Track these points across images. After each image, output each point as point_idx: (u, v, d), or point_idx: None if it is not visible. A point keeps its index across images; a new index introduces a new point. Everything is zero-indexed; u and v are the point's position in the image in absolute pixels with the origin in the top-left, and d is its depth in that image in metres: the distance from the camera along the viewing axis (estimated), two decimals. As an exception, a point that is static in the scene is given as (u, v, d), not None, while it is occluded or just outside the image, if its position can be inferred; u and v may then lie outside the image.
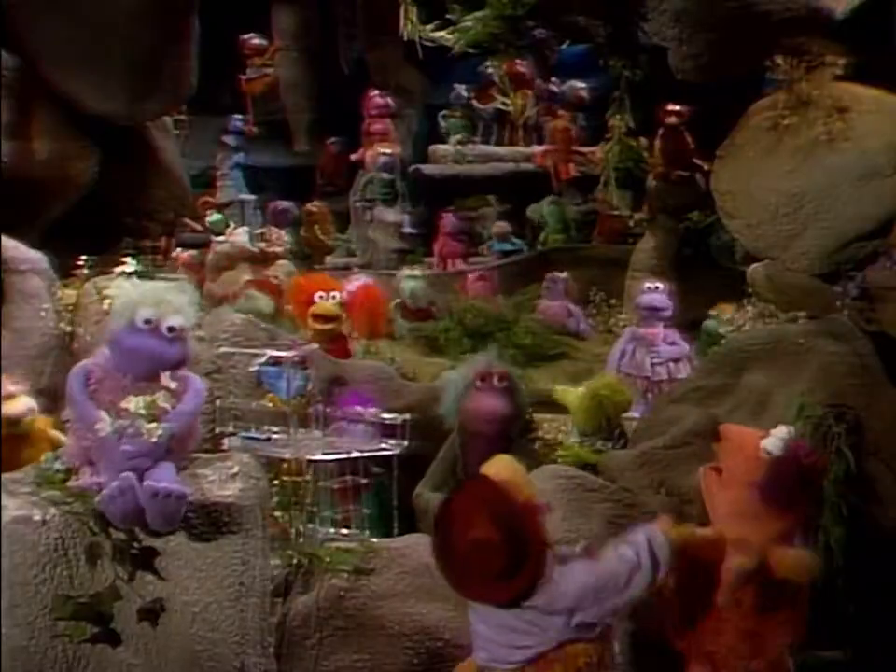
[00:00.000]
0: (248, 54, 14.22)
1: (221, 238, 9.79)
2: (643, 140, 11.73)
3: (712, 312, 8.01)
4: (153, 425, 3.62)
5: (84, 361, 3.83)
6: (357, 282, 7.67)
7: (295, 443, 4.77)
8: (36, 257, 5.86)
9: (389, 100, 12.70)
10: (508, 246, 11.80)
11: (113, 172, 7.56)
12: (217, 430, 4.97)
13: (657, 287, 7.89)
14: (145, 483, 3.52)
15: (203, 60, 7.79)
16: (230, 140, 13.47)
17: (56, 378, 5.26)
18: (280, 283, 8.75)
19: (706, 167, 10.22)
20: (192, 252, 9.64)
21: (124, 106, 7.43)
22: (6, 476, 3.70)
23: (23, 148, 7.12)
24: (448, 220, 11.58)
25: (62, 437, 4.34)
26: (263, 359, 4.92)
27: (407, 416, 4.87)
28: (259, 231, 10.47)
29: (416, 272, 9.58)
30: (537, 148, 12.92)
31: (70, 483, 3.66)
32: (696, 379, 5.01)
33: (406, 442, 4.89)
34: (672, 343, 7.69)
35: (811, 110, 5.66)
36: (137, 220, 8.14)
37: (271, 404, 5.03)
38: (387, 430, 4.95)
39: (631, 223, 10.86)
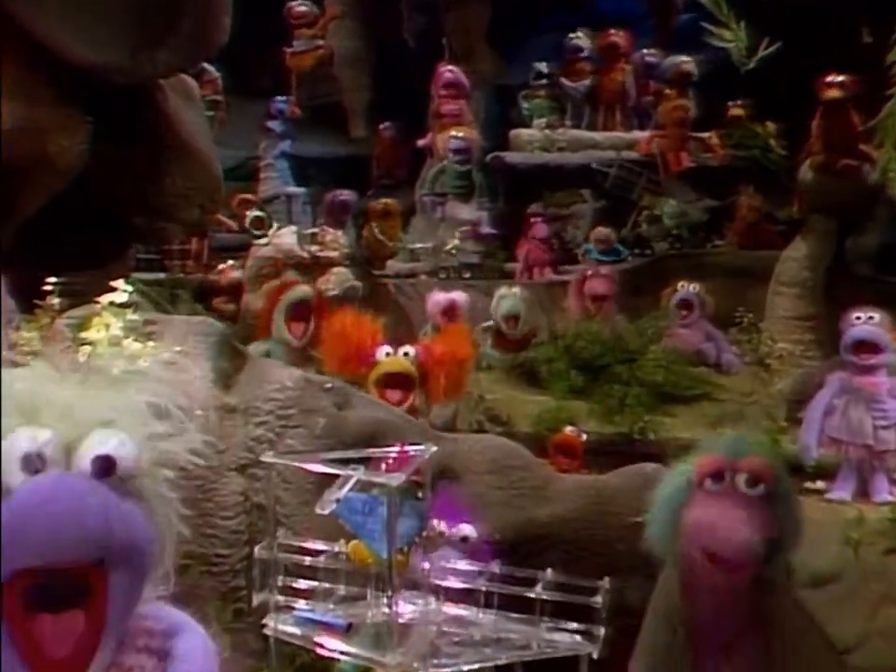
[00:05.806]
0: (295, 24, 13.38)
1: (263, 240, 8.81)
2: (770, 125, 10.89)
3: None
4: None
5: None
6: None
7: (403, 643, 2.53)
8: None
9: (464, 77, 11.70)
10: (609, 256, 10.57)
11: (113, 151, 5.75)
12: (255, 601, 2.75)
13: (871, 318, 5.84)
14: None
15: (237, 32, 6.00)
16: (275, 126, 12.66)
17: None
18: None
19: (875, 155, 8.98)
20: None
21: (127, 56, 5.51)
22: None
23: (-20, 116, 5.45)
24: (539, 227, 10.77)
25: None
26: (349, 485, 2.59)
27: (607, 583, 2.63)
28: (309, 231, 9.55)
29: (515, 290, 8.51)
30: (639, 134, 11.78)
31: None
32: None
33: (604, 629, 2.66)
34: (899, 398, 5.70)
35: None
36: (150, 221, 6.39)
37: (353, 556, 2.77)
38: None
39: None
